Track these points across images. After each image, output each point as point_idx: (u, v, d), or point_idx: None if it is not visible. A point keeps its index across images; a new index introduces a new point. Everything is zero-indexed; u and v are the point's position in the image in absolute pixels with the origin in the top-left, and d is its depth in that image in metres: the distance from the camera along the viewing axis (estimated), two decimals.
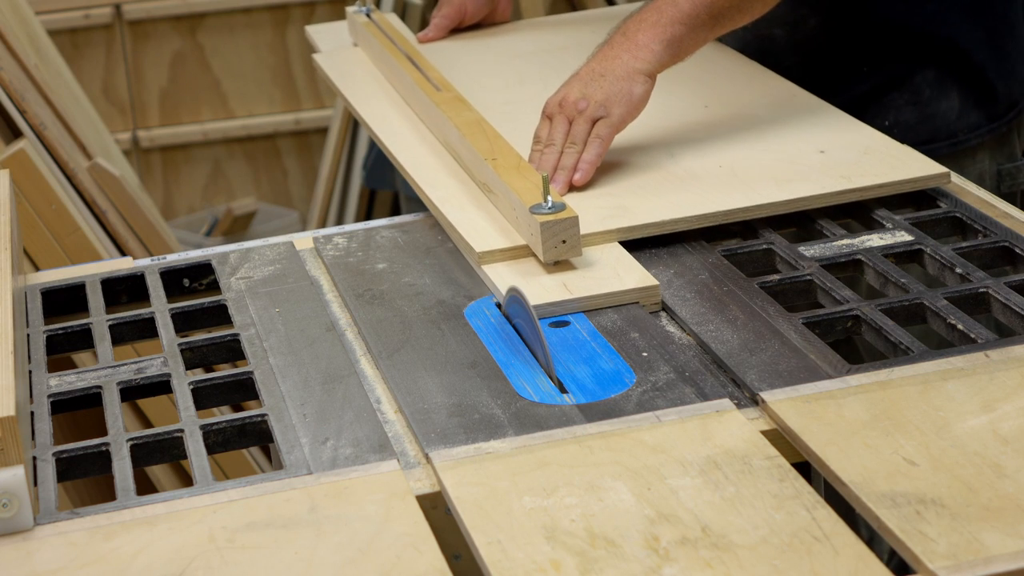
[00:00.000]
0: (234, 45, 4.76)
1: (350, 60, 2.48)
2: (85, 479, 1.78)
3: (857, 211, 1.89)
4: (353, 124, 4.32)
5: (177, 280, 1.92)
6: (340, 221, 4.33)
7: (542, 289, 1.72)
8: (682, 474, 1.38)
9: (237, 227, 4.68)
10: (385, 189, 4.15)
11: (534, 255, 1.79)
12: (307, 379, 1.62)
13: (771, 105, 2.14)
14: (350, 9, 2.55)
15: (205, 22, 4.72)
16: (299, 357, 1.66)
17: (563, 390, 1.54)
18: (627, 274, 1.74)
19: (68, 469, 1.51)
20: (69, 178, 2.87)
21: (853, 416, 1.45)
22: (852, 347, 2.11)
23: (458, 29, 2.53)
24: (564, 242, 1.74)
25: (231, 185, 4.85)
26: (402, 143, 2.12)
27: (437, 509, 1.39)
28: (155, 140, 4.76)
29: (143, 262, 1.95)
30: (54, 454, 1.51)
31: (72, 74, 3.82)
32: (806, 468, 1.41)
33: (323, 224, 4.36)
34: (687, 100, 2.16)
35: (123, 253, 2.88)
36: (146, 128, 4.76)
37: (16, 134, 2.84)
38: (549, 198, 1.76)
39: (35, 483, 1.47)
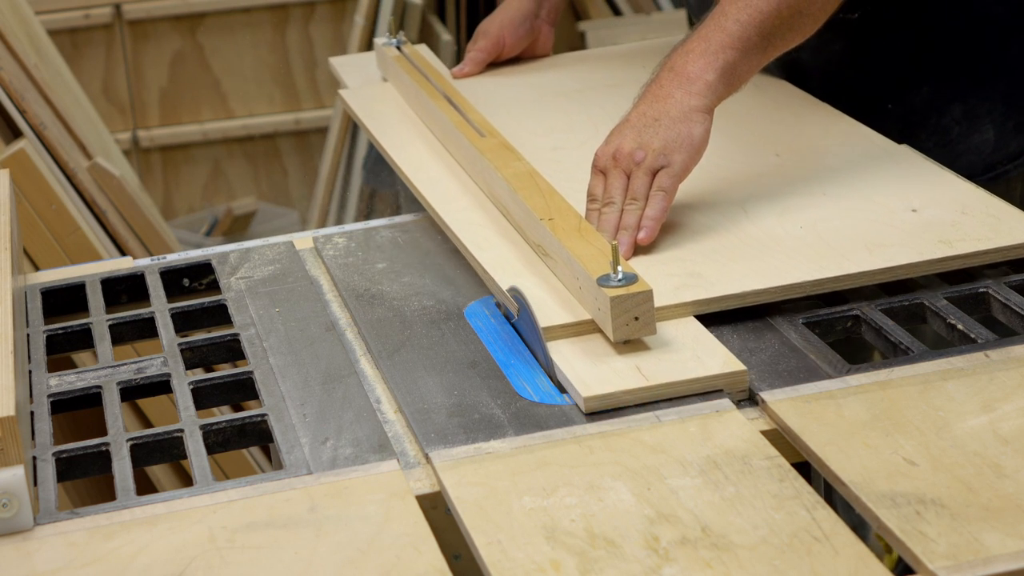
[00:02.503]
0: (234, 45, 4.76)
1: (380, 97, 2.29)
2: (85, 479, 1.78)
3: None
4: (353, 124, 4.32)
5: (177, 280, 1.92)
6: (340, 221, 4.33)
7: (614, 374, 1.53)
8: (682, 474, 1.38)
9: (237, 227, 4.68)
10: (385, 189, 4.15)
11: (601, 331, 1.60)
12: (307, 379, 1.62)
13: (849, 153, 1.95)
14: (379, 41, 2.37)
15: (205, 22, 4.72)
16: (299, 357, 1.66)
17: (563, 390, 1.54)
18: (709, 356, 1.55)
19: (68, 469, 1.51)
20: (69, 178, 2.87)
21: (853, 416, 1.44)
22: (852, 346, 2.10)
23: (494, 63, 2.35)
24: (637, 319, 1.55)
25: (231, 185, 4.85)
26: (442, 195, 1.94)
27: (437, 509, 1.39)
28: (155, 140, 4.76)
29: (143, 262, 1.95)
30: (54, 454, 1.51)
31: (72, 74, 3.82)
32: (806, 468, 1.41)
33: (323, 224, 4.36)
34: (755, 147, 1.99)
35: (123, 253, 2.88)
36: (146, 128, 4.76)
37: (16, 134, 2.84)
38: (620, 268, 1.57)
39: (35, 483, 1.47)
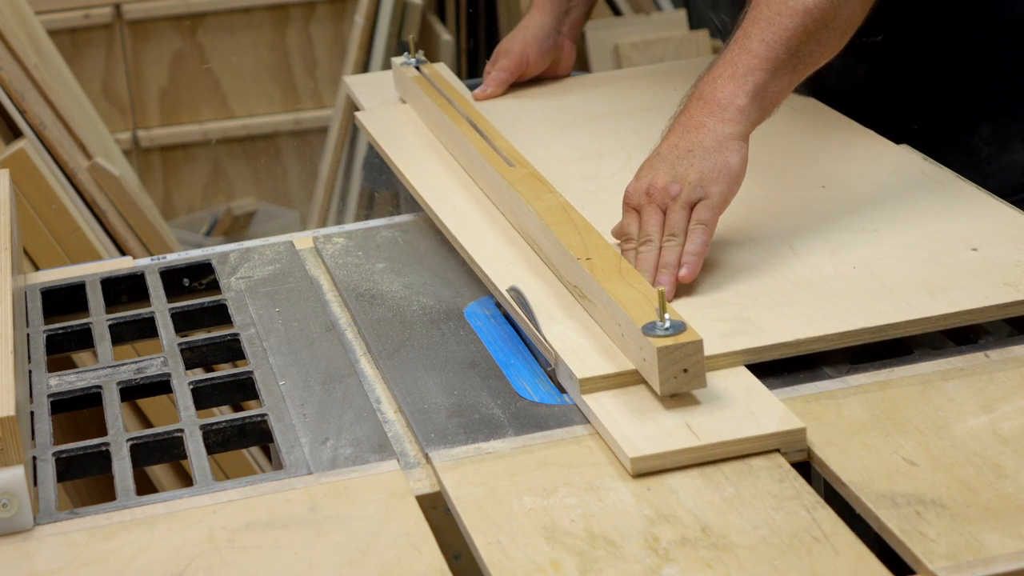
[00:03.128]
0: (234, 45, 4.75)
1: (398, 120, 2.18)
2: (85, 479, 1.78)
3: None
4: (353, 124, 4.32)
5: (177, 280, 1.92)
6: (340, 221, 4.33)
7: (662, 432, 1.41)
8: (682, 474, 1.38)
9: (237, 227, 4.68)
10: (385, 189, 4.15)
11: (646, 382, 1.49)
12: (307, 379, 1.62)
13: (899, 183, 1.85)
14: (397, 60, 2.27)
15: (205, 22, 4.72)
16: (299, 357, 1.66)
17: (563, 390, 1.54)
18: (764, 412, 1.43)
19: (68, 469, 1.51)
20: (69, 178, 2.87)
21: (853, 416, 1.44)
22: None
23: (515, 83, 2.25)
24: (686, 371, 1.43)
25: (231, 185, 4.85)
26: (469, 228, 1.84)
27: (437, 509, 1.39)
28: (155, 140, 4.76)
29: (143, 262, 1.95)
30: (54, 454, 1.51)
31: (72, 74, 3.82)
32: (806, 468, 1.41)
33: (323, 224, 4.36)
34: (799, 177, 1.89)
35: (123, 253, 2.88)
36: (146, 128, 4.76)
37: (16, 134, 2.84)
38: (667, 316, 1.45)
39: (35, 483, 1.47)
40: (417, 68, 2.23)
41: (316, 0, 4.73)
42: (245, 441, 1.56)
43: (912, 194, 1.81)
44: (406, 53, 2.26)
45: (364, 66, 4.24)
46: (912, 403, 1.45)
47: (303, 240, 1.98)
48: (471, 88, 2.27)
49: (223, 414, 1.69)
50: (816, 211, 1.79)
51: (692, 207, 1.65)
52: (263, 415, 1.55)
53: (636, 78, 2.30)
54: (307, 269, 1.89)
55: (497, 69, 2.22)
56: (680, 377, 1.44)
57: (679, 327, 1.44)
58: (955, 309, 1.56)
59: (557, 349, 1.54)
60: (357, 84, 2.38)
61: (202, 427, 1.54)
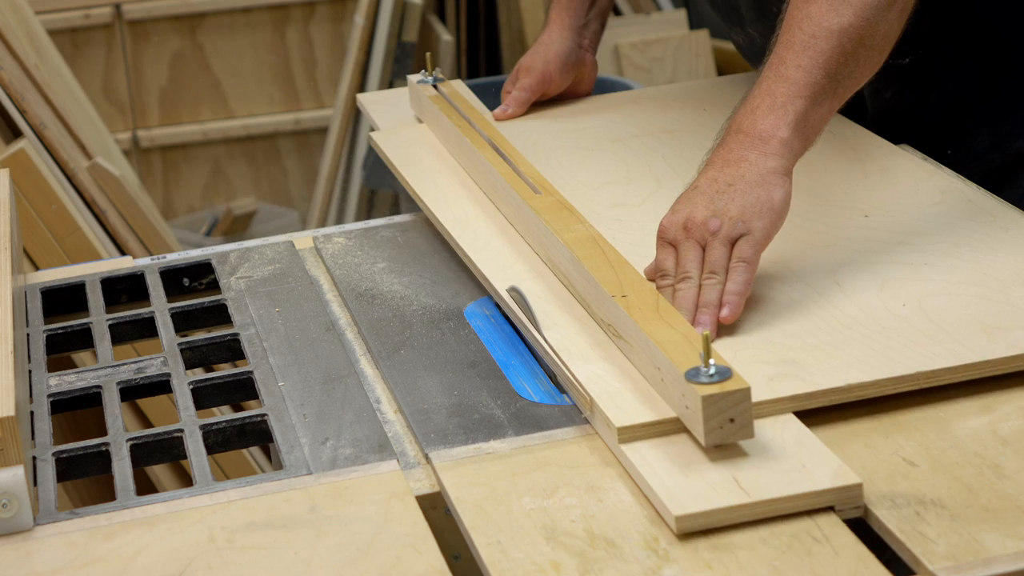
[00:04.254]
0: (234, 45, 4.76)
1: (415, 141, 2.09)
2: (85, 479, 1.78)
3: None
4: (353, 124, 4.32)
5: (177, 279, 1.92)
6: (340, 221, 4.34)
7: (708, 487, 1.31)
8: None
9: (237, 227, 4.68)
10: (385, 189, 4.16)
11: (687, 430, 1.40)
12: (307, 379, 1.62)
13: (946, 212, 1.75)
14: (413, 78, 2.18)
15: (205, 22, 4.72)
16: (299, 357, 1.66)
17: (563, 390, 1.54)
18: (816, 465, 1.33)
19: (68, 469, 1.51)
20: (69, 178, 2.87)
21: (853, 416, 1.44)
22: None
23: (536, 102, 2.16)
24: (732, 421, 1.33)
25: (231, 185, 4.85)
26: (493, 259, 1.75)
27: (437, 509, 1.39)
28: (155, 140, 4.76)
29: (143, 261, 1.95)
30: (54, 454, 1.51)
31: (72, 74, 3.82)
32: None
33: (323, 224, 4.36)
34: (840, 206, 1.79)
35: (123, 253, 2.88)
36: (146, 128, 4.76)
37: (16, 134, 2.84)
38: (712, 361, 1.35)
39: (35, 483, 1.47)
40: (434, 86, 2.14)
41: (316, 0, 4.73)
42: (245, 441, 1.56)
43: (961, 224, 1.72)
44: (423, 71, 2.17)
45: (364, 66, 4.24)
46: (912, 403, 1.45)
47: (303, 240, 1.98)
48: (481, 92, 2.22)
49: (223, 414, 1.69)
50: (860, 242, 1.70)
51: (733, 243, 1.57)
52: (263, 415, 1.55)
53: (660, 97, 2.20)
54: (307, 269, 1.89)
55: (519, 88, 2.14)
56: (726, 427, 1.34)
57: (725, 373, 1.35)
58: (1017, 352, 1.46)
59: (592, 394, 1.44)
60: (371, 102, 2.29)
61: (202, 427, 1.54)
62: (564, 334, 1.56)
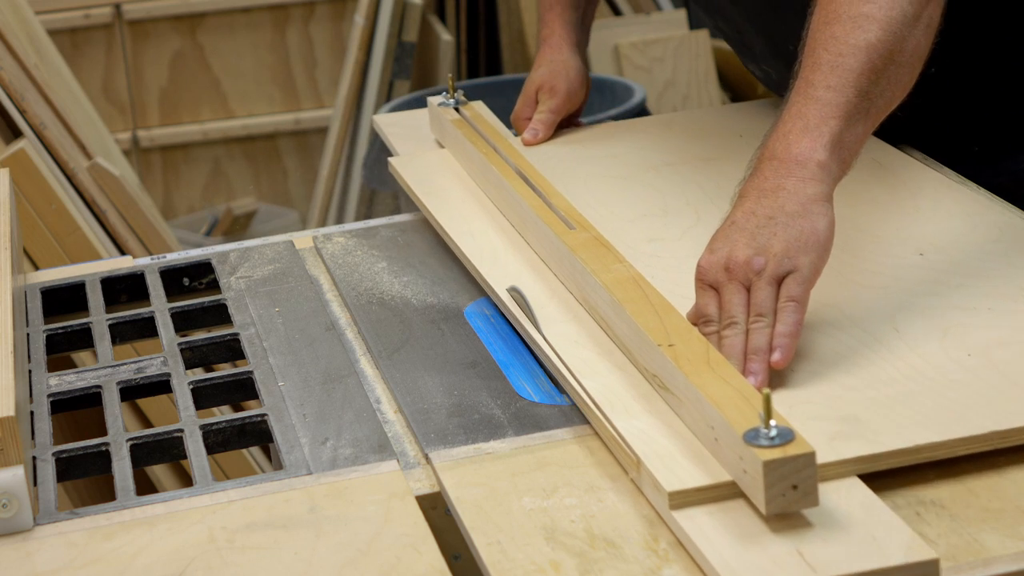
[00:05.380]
0: (234, 45, 4.76)
1: (437, 168, 2.00)
2: (85, 479, 1.78)
3: None
4: (353, 124, 4.32)
5: (177, 279, 1.92)
6: (340, 221, 4.34)
7: (770, 562, 1.20)
8: None
9: (237, 227, 4.68)
10: (385, 189, 4.16)
11: (743, 494, 1.28)
12: (307, 379, 1.62)
13: (1009, 251, 1.65)
14: (434, 100, 2.09)
15: (205, 22, 4.72)
16: (299, 357, 1.66)
17: (563, 390, 1.54)
18: (888, 537, 1.22)
19: (68, 469, 1.51)
20: (69, 178, 2.87)
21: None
22: None
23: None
24: (795, 488, 1.22)
25: (231, 185, 4.85)
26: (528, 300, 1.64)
27: (437, 509, 1.39)
28: (155, 140, 4.76)
29: (143, 261, 1.95)
30: (54, 454, 1.51)
31: (72, 74, 3.82)
32: None
33: (323, 224, 4.36)
34: (892, 243, 1.69)
35: (123, 253, 2.88)
36: (146, 128, 4.76)
37: (16, 134, 2.84)
38: (773, 423, 1.24)
39: (35, 483, 1.47)
40: (456, 109, 2.05)
41: (316, 0, 4.73)
42: (245, 441, 1.56)
43: (1019, 260, 1.62)
44: (444, 93, 2.08)
45: (364, 66, 4.25)
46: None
47: (303, 240, 1.98)
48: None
49: (223, 414, 1.69)
50: (917, 284, 1.59)
51: (779, 282, 1.46)
52: (263, 415, 1.55)
53: (693, 123, 2.10)
54: (307, 269, 1.89)
55: (547, 111, 2.05)
56: (789, 495, 1.22)
57: (787, 435, 1.23)
58: None
59: (639, 453, 1.33)
60: (388, 124, 2.19)
61: (202, 427, 1.54)
62: (605, 384, 1.45)
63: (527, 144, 2.04)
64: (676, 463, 1.31)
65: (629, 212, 1.81)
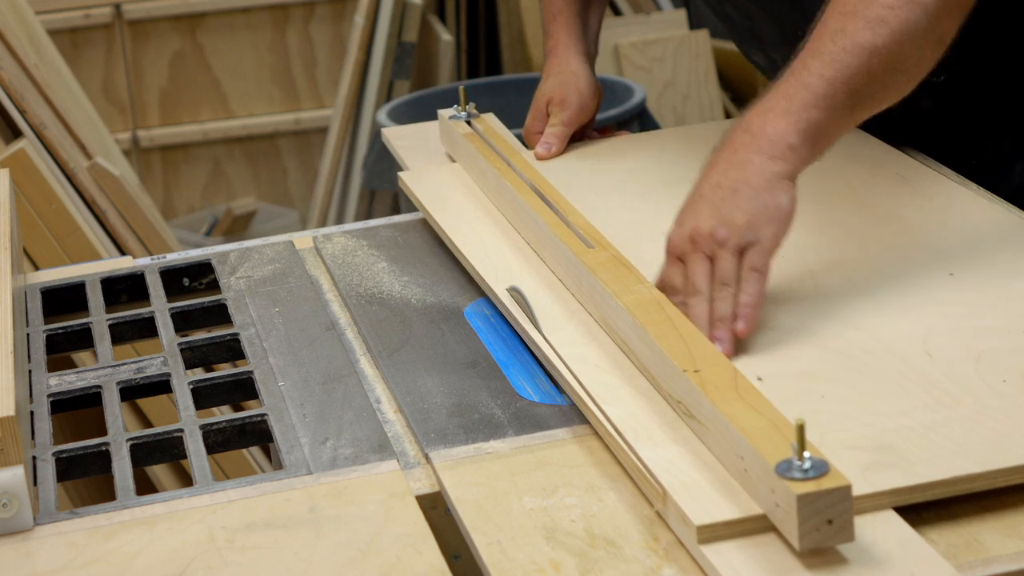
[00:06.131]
0: (234, 45, 4.76)
1: (448, 184, 1.95)
2: (85, 479, 1.78)
3: None
4: (353, 124, 4.32)
5: (177, 279, 1.92)
6: (340, 221, 4.34)
7: None
8: None
9: (237, 227, 4.68)
10: (385, 189, 4.16)
11: (774, 528, 1.23)
12: (307, 379, 1.62)
13: None
14: (444, 113, 2.04)
15: (205, 22, 4.72)
16: (299, 357, 1.66)
17: (563, 390, 1.54)
18: (926, 574, 1.18)
19: (68, 469, 1.51)
20: (69, 178, 2.87)
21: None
22: None
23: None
24: (830, 523, 1.17)
25: (231, 185, 4.85)
26: (545, 322, 1.59)
27: (437, 509, 1.39)
28: (155, 140, 4.76)
29: (143, 261, 1.95)
30: (54, 454, 1.51)
31: (72, 74, 3.82)
32: None
33: (323, 224, 4.36)
34: (922, 262, 1.64)
35: (123, 253, 2.88)
36: (146, 128, 4.76)
37: (16, 134, 2.84)
38: (807, 454, 1.19)
39: (35, 483, 1.47)
40: (468, 122, 2.00)
41: (316, 0, 4.73)
42: (245, 441, 1.56)
43: None
44: (455, 106, 2.03)
45: (364, 66, 4.25)
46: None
47: (303, 240, 1.98)
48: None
49: (223, 414, 1.69)
50: (948, 305, 1.54)
51: (742, 252, 1.51)
52: (263, 415, 1.55)
53: (712, 135, 1.95)
54: (307, 269, 1.89)
55: (560, 123, 2.02)
56: (823, 529, 1.17)
57: (821, 467, 1.18)
58: None
59: (665, 484, 1.28)
60: (396, 137, 2.14)
61: (202, 427, 1.54)
62: (627, 410, 1.40)
63: (540, 158, 1.99)
64: (704, 495, 1.26)
65: (648, 230, 1.74)
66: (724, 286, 1.49)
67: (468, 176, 1.97)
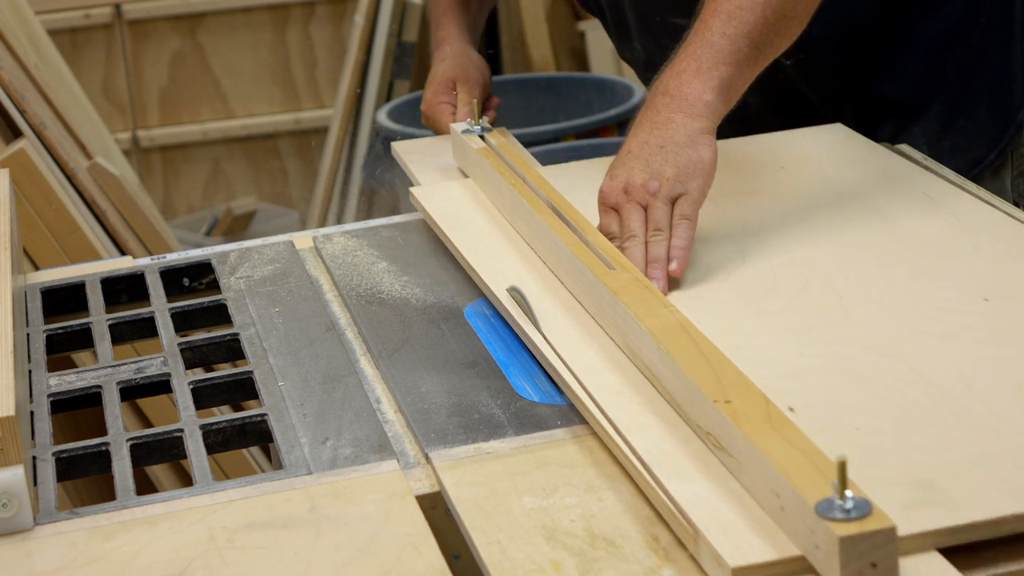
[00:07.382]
0: (234, 45, 4.76)
1: (462, 200, 1.91)
2: (85, 479, 1.78)
3: None
4: (353, 124, 4.32)
5: (177, 279, 1.92)
6: (340, 221, 4.34)
7: None
8: None
9: (237, 227, 4.68)
10: (385, 189, 4.16)
11: (814, 570, 1.17)
12: (307, 379, 1.62)
13: None
14: (457, 127, 2.00)
15: (205, 22, 4.72)
16: (299, 357, 1.66)
17: (560, 390, 1.54)
18: None
19: (68, 469, 1.51)
20: (69, 178, 2.87)
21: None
22: None
23: (586, 157, 2.06)
24: (874, 566, 1.11)
25: (231, 185, 4.85)
26: (564, 347, 1.53)
27: (437, 509, 1.39)
28: (155, 140, 4.76)
29: (143, 261, 1.95)
30: (54, 454, 1.51)
31: (72, 74, 3.82)
32: None
33: (323, 224, 4.36)
34: (957, 288, 1.59)
35: (123, 253, 2.88)
36: (146, 128, 4.76)
37: (16, 134, 2.84)
38: (848, 493, 1.13)
39: (35, 483, 1.47)
40: (481, 137, 1.96)
41: (316, 0, 4.73)
42: (245, 441, 1.56)
43: None
44: (468, 120, 2.01)
45: (364, 66, 4.25)
46: None
47: (303, 240, 1.98)
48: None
49: (223, 414, 1.69)
50: (983, 332, 1.49)
51: (672, 203, 1.67)
52: (263, 415, 1.55)
53: (730, 152, 1.95)
54: (307, 269, 1.89)
55: (473, 97, 2.09)
56: (866, 573, 1.11)
57: (863, 508, 1.12)
58: None
59: (698, 524, 1.22)
60: (406, 151, 2.10)
61: (202, 427, 1.54)
62: (654, 442, 1.34)
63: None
64: (738, 534, 1.20)
65: None
66: (658, 231, 1.65)
67: (481, 192, 1.92)
